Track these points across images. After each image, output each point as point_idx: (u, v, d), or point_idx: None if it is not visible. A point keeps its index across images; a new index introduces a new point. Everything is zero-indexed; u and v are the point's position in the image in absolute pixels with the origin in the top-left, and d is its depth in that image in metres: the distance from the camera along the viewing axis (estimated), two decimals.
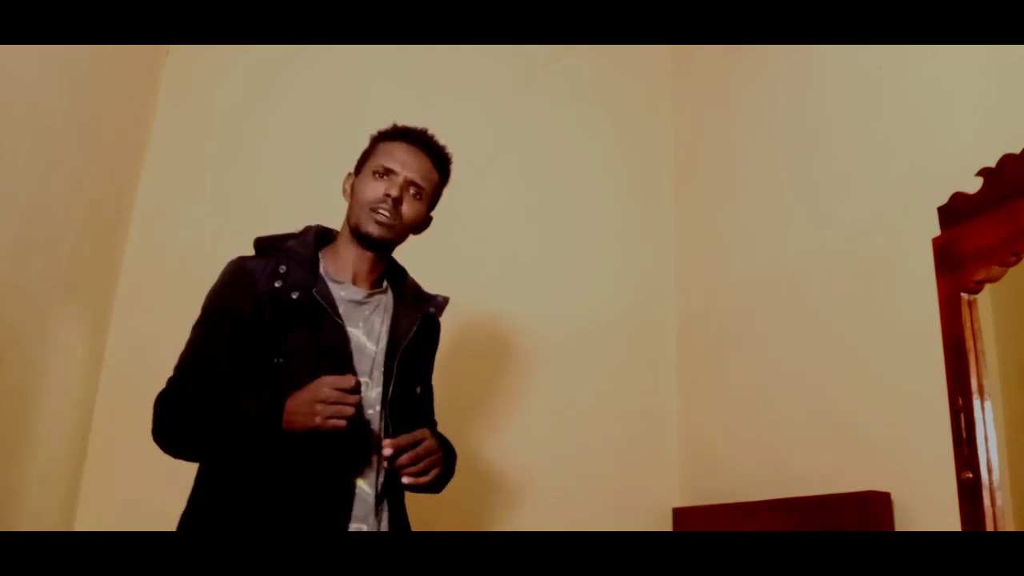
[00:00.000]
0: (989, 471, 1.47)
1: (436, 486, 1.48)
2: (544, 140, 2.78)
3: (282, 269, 1.45)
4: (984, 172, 1.58)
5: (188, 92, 2.43)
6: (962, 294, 1.58)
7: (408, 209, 1.51)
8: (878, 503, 1.69)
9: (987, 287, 1.57)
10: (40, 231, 1.69)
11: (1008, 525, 1.45)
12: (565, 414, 2.51)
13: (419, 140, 1.56)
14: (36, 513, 1.80)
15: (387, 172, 1.51)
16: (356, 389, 1.30)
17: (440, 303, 1.62)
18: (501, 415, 2.47)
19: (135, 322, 2.18)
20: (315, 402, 1.28)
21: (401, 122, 1.59)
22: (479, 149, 2.66)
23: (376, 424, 1.44)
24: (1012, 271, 1.52)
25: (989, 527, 1.44)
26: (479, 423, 2.42)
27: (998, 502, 1.45)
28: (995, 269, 1.54)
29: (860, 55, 2.04)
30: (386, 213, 1.48)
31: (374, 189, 1.50)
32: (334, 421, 1.27)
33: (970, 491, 1.48)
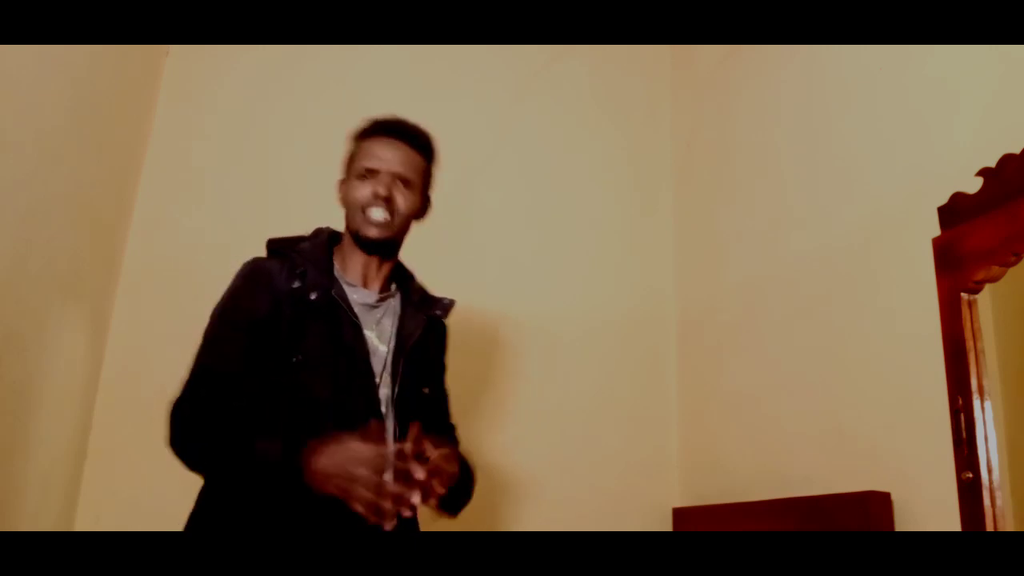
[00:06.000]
0: (989, 471, 1.47)
1: (453, 508, 1.46)
2: (544, 141, 2.78)
3: (299, 270, 1.46)
4: (984, 172, 1.58)
5: (188, 92, 2.43)
6: (962, 294, 1.58)
7: (402, 202, 1.50)
8: (878, 503, 1.69)
9: (987, 287, 1.57)
10: (40, 231, 1.69)
11: (1008, 525, 1.45)
12: (565, 414, 2.51)
13: (395, 131, 1.53)
14: (36, 513, 1.80)
15: (370, 172, 1.50)
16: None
17: (446, 306, 1.62)
18: (501, 415, 2.47)
19: (135, 322, 2.18)
20: (351, 482, 1.20)
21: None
22: (479, 149, 2.66)
23: (388, 424, 1.43)
24: (1012, 271, 1.52)
25: (989, 527, 1.44)
26: (479, 423, 2.42)
27: (998, 502, 1.45)
28: (995, 269, 1.54)
29: (860, 55, 2.04)
30: (380, 213, 1.48)
31: (362, 192, 1.49)
32: (379, 520, 1.20)
33: (970, 491, 1.48)
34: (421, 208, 1.57)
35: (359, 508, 1.20)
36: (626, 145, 2.88)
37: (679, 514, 2.42)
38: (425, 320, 1.55)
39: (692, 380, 2.60)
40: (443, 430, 1.59)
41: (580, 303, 2.65)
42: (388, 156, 1.50)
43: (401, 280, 1.61)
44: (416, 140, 1.55)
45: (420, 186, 1.55)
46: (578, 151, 2.81)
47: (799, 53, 2.28)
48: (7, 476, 1.65)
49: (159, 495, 1.90)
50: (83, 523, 2.01)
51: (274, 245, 1.54)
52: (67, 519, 1.99)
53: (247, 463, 1.30)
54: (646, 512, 2.49)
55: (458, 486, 1.41)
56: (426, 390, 1.55)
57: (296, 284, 1.44)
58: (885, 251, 1.87)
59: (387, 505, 1.20)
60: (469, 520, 2.33)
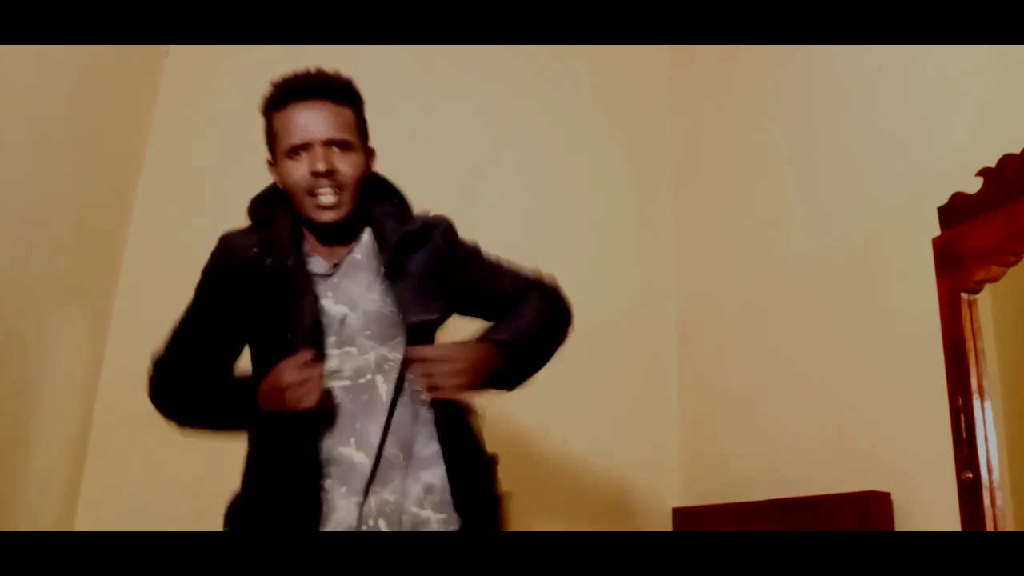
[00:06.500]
0: (989, 471, 1.47)
1: (510, 381, 1.52)
2: (544, 141, 2.78)
3: (261, 245, 1.38)
4: (984, 172, 1.58)
5: (188, 92, 2.43)
6: (962, 294, 1.58)
7: (345, 166, 1.33)
8: (878, 503, 1.69)
9: (987, 287, 1.57)
10: (40, 231, 1.69)
11: (1008, 525, 1.45)
12: (565, 414, 2.51)
13: (309, 91, 1.34)
14: (36, 513, 1.80)
15: (299, 148, 1.32)
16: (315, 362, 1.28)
17: (422, 222, 1.44)
18: (500, 416, 2.47)
19: (135, 322, 2.18)
20: (282, 390, 1.25)
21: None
22: (479, 149, 2.66)
23: (387, 385, 1.36)
24: (1012, 271, 1.52)
25: (989, 527, 1.44)
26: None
27: (998, 502, 1.45)
28: (995, 269, 1.54)
29: (860, 55, 2.03)
30: (326, 193, 1.32)
31: (299, 173, 1.32)
32: (304, 402, 1.25)
33: (970, 491, 1.48)
34: (367, 164, 1.39)
35: (291, 404, 1.24)
36: (626, 145, 2.88)
37: (679, 514, 2.42)
38: (392, 252, 1.38)
39: (692, 380, 2.60)
40: (503, 309, 1.56)
41: (580, 303, 2.63)
42: (312, 124, 1.31)
43: (370, 220, 1.42)
44: (336, 92, 1.36)
45: (359, 142, 1.37)
46: (578, 151, 2.81)
47: (799, 53, 2.28)
48: (7, 476, 1.65)
49: (159, 495, 1.90)
50: (83, 523, 2.01)
51: (252, 211, 1.45)
52: (67, 519, 1.99)
53: (220, 407, 1.36)
54: (646, 512, 2.49)
55: (520, 354, 1.49)
56: (437, 315, 1.43)
57: (255, 260, 1.36)
58: (885, 251, 1.87)
59: (303, 388, 1.24)
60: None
